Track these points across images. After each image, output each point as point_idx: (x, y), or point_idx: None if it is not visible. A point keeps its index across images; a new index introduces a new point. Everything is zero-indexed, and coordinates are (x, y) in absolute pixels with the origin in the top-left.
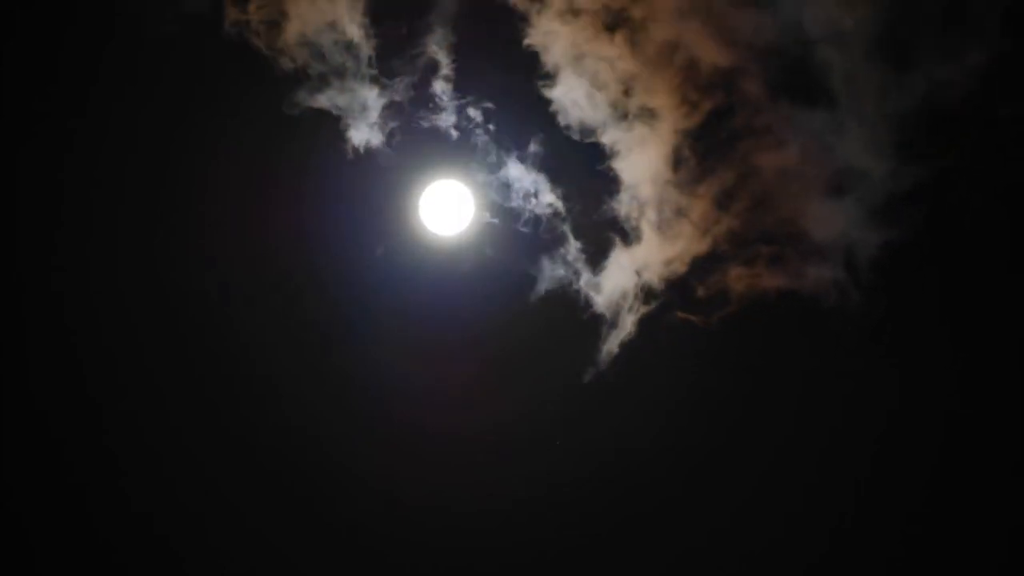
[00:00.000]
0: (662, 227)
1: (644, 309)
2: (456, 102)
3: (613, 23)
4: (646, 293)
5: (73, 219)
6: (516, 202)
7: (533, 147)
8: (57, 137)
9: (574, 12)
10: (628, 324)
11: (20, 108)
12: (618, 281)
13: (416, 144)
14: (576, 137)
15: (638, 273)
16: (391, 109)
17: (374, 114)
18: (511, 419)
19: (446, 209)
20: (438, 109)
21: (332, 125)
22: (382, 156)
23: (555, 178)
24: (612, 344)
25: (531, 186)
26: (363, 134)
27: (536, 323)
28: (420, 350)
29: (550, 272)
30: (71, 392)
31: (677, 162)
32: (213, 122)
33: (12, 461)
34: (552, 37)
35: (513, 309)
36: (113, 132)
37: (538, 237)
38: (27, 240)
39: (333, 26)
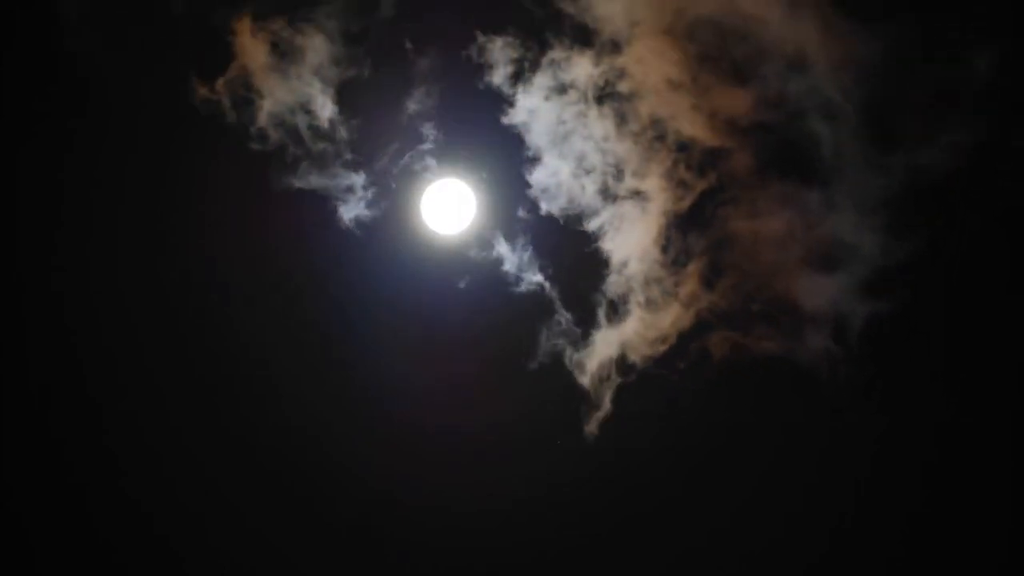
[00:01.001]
0: (649, 306)
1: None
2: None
3: (600, 100)
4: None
5: (73, 219)
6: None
7: (518, 226)
8: (57, 137)
9: (560, 89)
10: (607, 402)
11: (20, 108)
12: (603, 353)
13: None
14: (561, 220)
15: (622, 351)
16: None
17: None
18: (511, 419)
19: (448, 208)
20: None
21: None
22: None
23: (541, 255)
24: (592, 425)
25: (515, 267)
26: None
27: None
28: (421, 349)
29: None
30: (71, 392)
31: (665, 241)
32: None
33: (12, 461)
34: (536, 116)
35: (514, 309)
36: (113, 131)
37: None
38: (27, 240)
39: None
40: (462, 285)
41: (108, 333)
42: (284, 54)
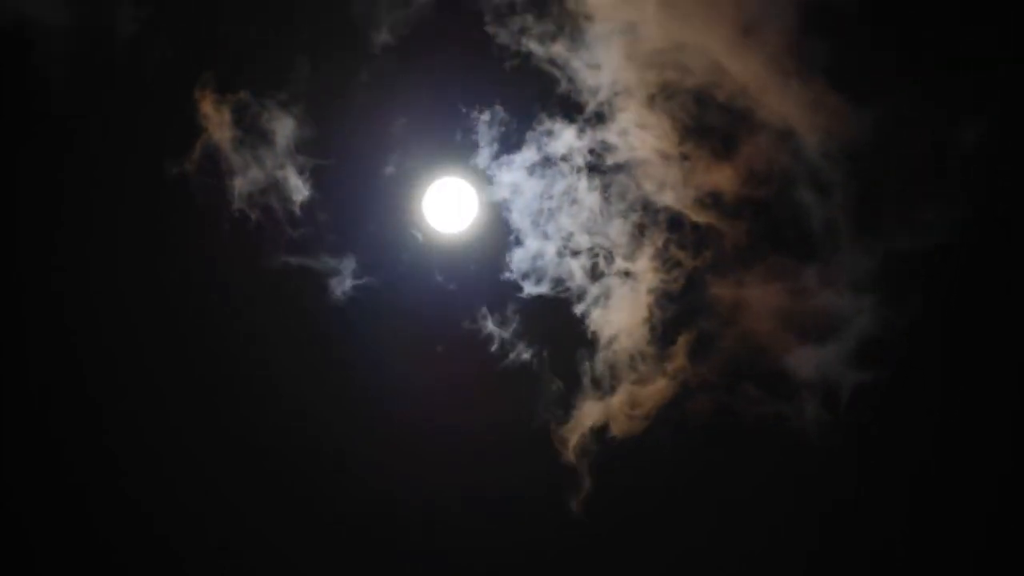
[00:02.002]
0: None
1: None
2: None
3: (588, 174)
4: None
5: (73, 219)
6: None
7: (504, 303)
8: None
9: (545, 163)
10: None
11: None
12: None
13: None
14: (549, 297)
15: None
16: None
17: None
18: (512, 418)
19: (449, 206)
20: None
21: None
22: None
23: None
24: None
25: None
26: None
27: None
28: (422, 348)
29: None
30: (71, 392)
31: (653, 319)
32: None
33: (12, 461)
34: (520, 192)
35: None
36: (113, 131)
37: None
38: (27, 240)
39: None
40: (464, 284)
41: (108, 333)
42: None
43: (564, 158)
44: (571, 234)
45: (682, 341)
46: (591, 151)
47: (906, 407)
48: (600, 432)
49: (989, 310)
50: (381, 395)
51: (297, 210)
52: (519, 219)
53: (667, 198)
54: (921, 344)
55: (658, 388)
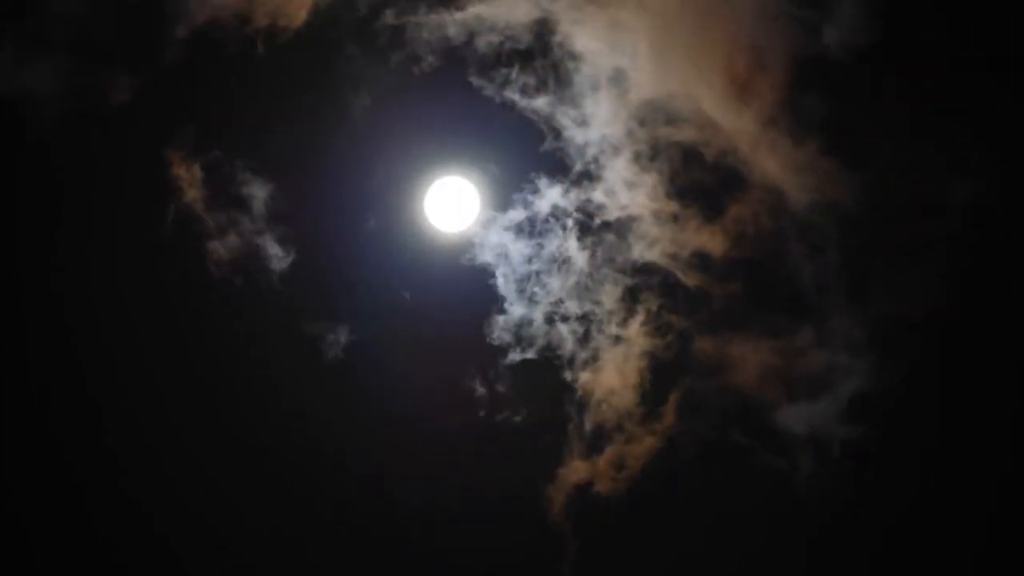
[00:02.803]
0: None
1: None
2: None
3: (577, 234)
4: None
5: (72, 219)
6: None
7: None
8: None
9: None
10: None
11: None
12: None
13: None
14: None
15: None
16: None
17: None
18: (513, 417)
19: (451, 205)
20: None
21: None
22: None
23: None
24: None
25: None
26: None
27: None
28: (423, 347)
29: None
30: (71, 392)
31: (643, 383)
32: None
33: (12, 461)
34: (502, 252)
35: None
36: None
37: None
38: (27, 240)
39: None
40: (466, 281)
41: (108, 333)
42: None
43: (552, 217)
44: (560, 300)
45: (672, 399)
46: (579, 210)
47: (895, 463)
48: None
49: (978, 372)
50: (383, 393)
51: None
52: (505, 284)
53: (657, 258)
54: (909, 403)
55: (647, 446)
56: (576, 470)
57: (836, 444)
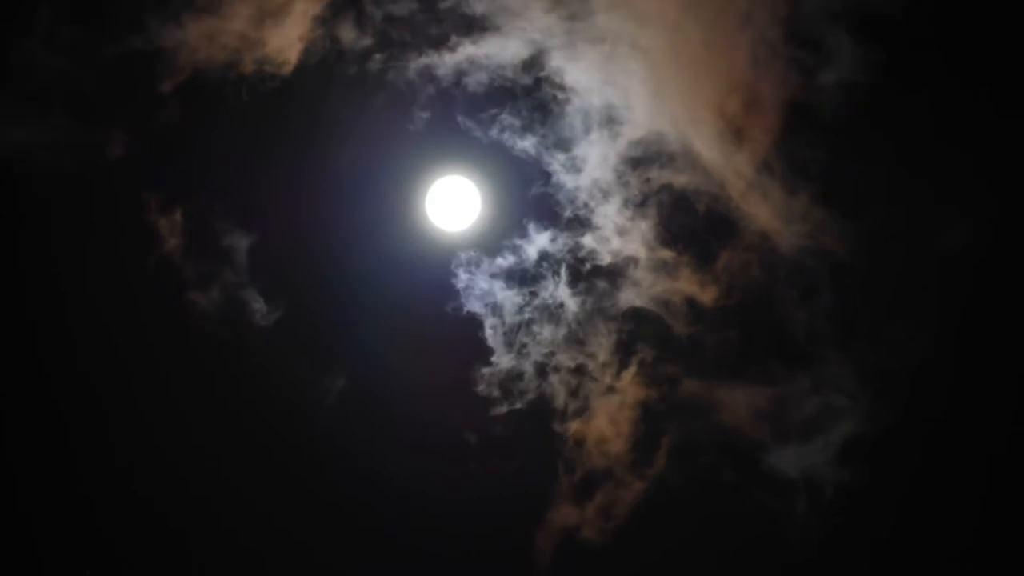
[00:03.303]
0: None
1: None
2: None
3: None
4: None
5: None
6: None
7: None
8: None
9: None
10: None
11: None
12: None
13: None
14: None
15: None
16: None
17: None
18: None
19: (452, 205)
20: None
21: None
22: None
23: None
24: None
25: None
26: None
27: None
28: (424, 346)
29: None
30: (77, 392)
31: (634, 429)
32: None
33: (20, 462)
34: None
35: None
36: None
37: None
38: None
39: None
40: (465, 282)
41: (113, 333)
42: None
43: (542, 263)
44: (550, 349)
45: (663, 445)
46: (570, 255)
47: (885, 506)
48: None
49: (969, 417)
50: (384, 392)
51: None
52: (493, 335)
53: (649, 304)
54: (900, 448)
55: (636, 490)
56: (565, 515)
57: (828, 487)
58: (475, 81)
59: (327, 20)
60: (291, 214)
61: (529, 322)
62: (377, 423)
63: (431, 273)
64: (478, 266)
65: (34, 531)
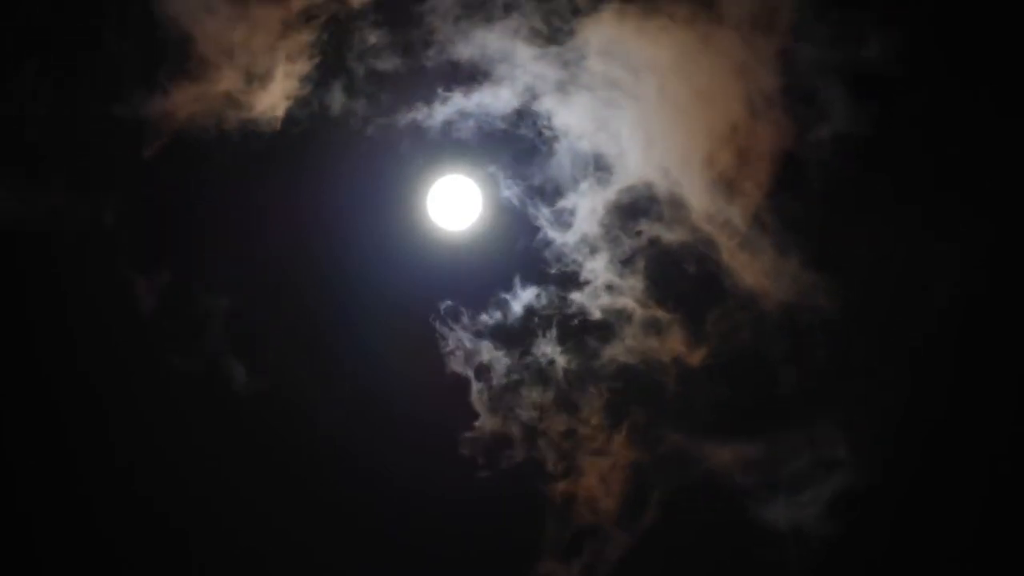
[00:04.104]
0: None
1: None
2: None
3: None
4: None
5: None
6: None
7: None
8: None
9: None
10: None
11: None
12: None
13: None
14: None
15: None
16: None
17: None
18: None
19: (454, 204)
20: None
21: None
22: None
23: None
24: None
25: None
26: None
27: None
28: (425, 345)
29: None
30: (77, 393)
31: (623, 487)
32: None
33: (22, 463)
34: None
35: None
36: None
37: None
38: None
39: None
40: (469, 280)
41: (112, 333)
42: None
43: (528, 320)
44: (538, 410)
45: (652, 501)
46: (557, 313)
47: (873, 561)
48: None
49: (956, 475)
50: (385, 391)
51: None
52: (479, 397)
53: (638, 363)
54: (889, 500)
55: (624, 545)
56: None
57: (816, 541)
58: (463, 129)
59: (313, 78)
60: (290, 223)
61: (517, 383)
62: (377, 423)
63: (432, 273)
64: (459, 320)
65: (34, 531)
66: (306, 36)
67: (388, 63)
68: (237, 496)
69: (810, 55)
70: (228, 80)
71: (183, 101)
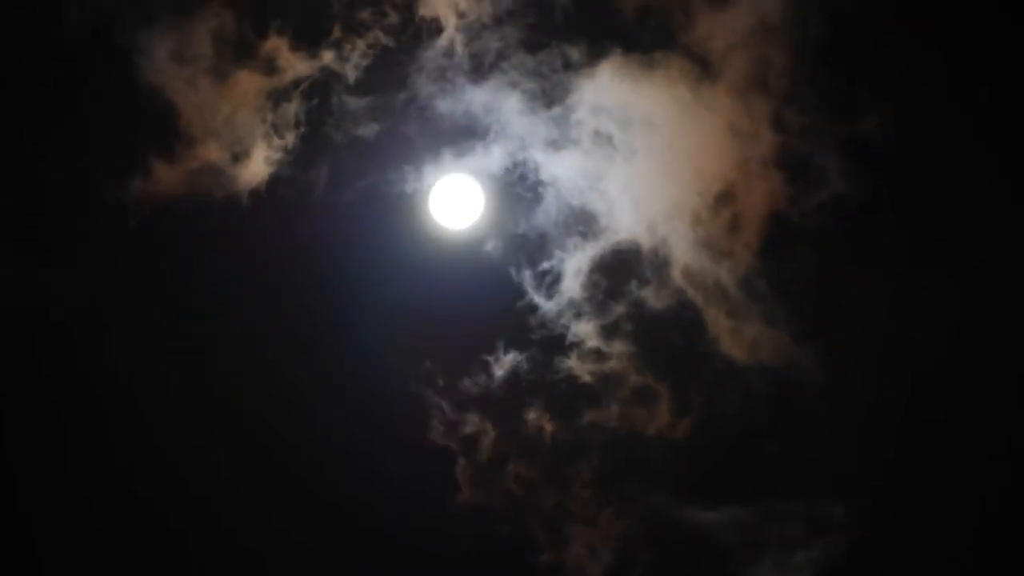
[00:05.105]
0: None
1: None
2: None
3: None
4: None
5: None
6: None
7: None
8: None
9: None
10: None
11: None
12: None
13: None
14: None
15: None
16: None
17: None
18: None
19: (456, 203)
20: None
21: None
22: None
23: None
24: None
25: None
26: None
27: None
28: (426, 344)
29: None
30: (77, 393)
31: (612, 556)
32: None
33: (21, 463)
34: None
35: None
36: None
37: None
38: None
39: None
40: (470, 280)
41: (112, 333)
42: None
43: (511, 385)
44: (526, 482)
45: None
46: (541, 378)
47: None
48: None
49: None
50: (387, 391)
51: None
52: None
53: (624, 430)
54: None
55: None
56: None
57: None
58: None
59: (294, 150)
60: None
61: (504, 459)
62: (377, 423)
63: (432, 273)
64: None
65: (34, 531)
66: (291, 106)
67: (373, 128)
68: (237, 496)
69: (803, 119)
70: (212, 152)
71: (166, 175)
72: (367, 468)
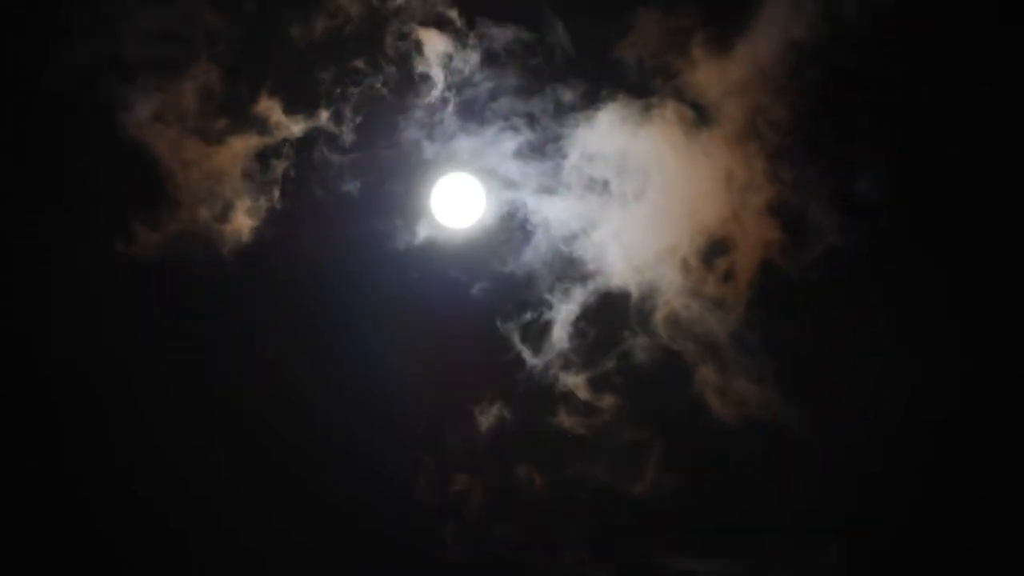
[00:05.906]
0: None
1: None
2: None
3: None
4: None
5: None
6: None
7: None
8: None
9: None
10: None
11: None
12: None
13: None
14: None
15: None
16: None
17: None
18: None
19: (457, 202)
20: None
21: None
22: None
23: None
24: None
25: None
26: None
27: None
28: (428, 345)
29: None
30: (77, 393)
31: None
32: None
33: (21, 462)
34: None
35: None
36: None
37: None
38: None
39: None
40: (471, 281)
41: (112, 334)
42: None
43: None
44: (513, 542)
45: None
46: (530, 433)
47: None
48: None
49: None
50: (388, 391)
51: None
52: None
53: (611, 481)
54: None
55: None
56: None
57: None
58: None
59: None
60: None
61: (489, 521)
62: (377, 423)
63: (432, 273)
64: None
65: (34, 531)
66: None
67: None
68: (237, 496)
69: (798, 170)
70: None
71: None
72: (367, 468)
